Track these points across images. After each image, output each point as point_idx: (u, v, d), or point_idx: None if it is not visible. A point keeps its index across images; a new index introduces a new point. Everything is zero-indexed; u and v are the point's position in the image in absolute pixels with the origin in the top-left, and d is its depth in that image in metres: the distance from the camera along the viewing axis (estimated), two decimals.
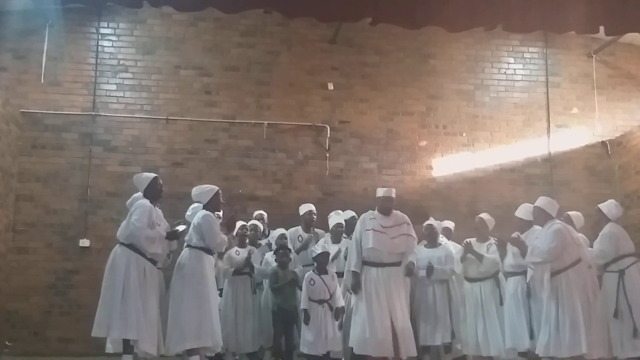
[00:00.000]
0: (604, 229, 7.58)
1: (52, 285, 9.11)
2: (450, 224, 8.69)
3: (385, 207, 7.33)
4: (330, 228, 8.21)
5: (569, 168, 10.29)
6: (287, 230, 8.33)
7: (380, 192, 7.43)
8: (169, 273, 7.43)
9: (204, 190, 7.10)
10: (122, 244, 6.50)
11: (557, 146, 10.34)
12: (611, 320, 7.30)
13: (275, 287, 7.55)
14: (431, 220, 8.16)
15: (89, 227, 9.25)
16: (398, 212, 7.43)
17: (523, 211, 7.62)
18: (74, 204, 9.31)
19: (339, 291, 7.39)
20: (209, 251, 6.87)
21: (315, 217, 8.53)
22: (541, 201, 7.27)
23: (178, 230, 6.82)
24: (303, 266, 7.92)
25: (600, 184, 10.24)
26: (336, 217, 8.29)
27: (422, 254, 7.85)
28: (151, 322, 6.40)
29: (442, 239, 8.21)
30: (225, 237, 7.04)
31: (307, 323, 7.17)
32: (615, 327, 7.27)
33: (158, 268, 6.85)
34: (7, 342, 8.67)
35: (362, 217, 7.42)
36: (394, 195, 7.41)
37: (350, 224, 8.03)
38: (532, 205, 7.43)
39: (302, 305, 7.24)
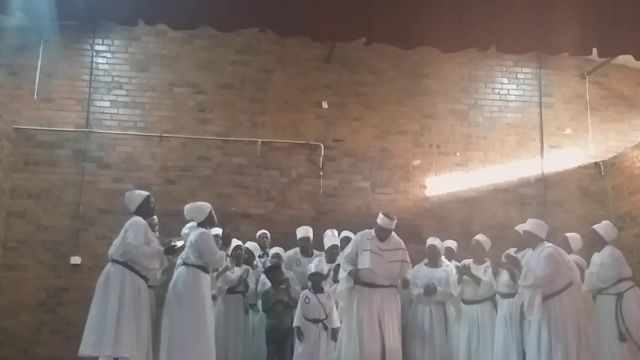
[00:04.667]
0: (604, 251, 7.47)
1: (42, 303, 9.01)
2: (452, 244, 8.62)
3: (383, 236, 7.30)
4: (325, 248, 8.19)
5: (562, 188, 10.30)
6: (285, 251, 8.35)
7: (380, 220, 7.31)
8: (160, 291, 7.41)
9: (199, 208, 7.10)
10: (116, 261, 6.46)
11: (551, 167, 10.35)
12: (614, 344, 7.21)
13: (266, 307, 7.52)
14: (434, 241, 8.12)
15: (81, 245, 9.18)
16: (395, 235, 7.41)
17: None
18: (65, 221, 9.25)
19: (335, 311, 7.35)
20: (205, 269, 6.85)
21: (311, 242, 8.48)
22: (530, 224, 7.19)
23: (176, 245, 6.77)
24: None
25: (593, 204, 10.24)
26: (332, 239, 8.25)
27: (422, 273, 7.84)
28: (143, 341, 6.36)
29: (443, 260, 8.19)
30: (223, 253, 7.02)
31: (300, 340, 7.12)
32: (617, 350, 7.19)
33: (149, 286, 6.81)
34: None
35: (359, 235, 7.39)
36: (394, 227, 7.34)
37: (346, 244, 8.06)
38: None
39: (295, 322, 7.19)
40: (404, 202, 9.95)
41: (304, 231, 8.62)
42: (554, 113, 10.60)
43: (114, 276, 6.39)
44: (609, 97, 10.75)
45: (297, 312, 7.25)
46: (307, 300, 7.26)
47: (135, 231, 6.44)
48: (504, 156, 10.33)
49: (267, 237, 8.74)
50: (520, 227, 7.54)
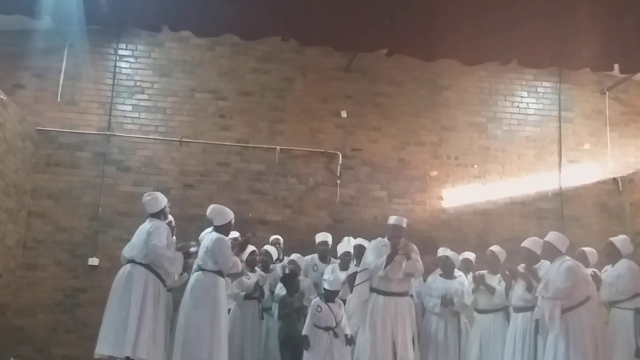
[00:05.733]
0: (622, 263, 7.48)
1: (59, 303, 9.11)
2: (470, 255, 8.58)
3: (394, 235, 7.35)
4: (338, 255, 8.23)
5: (579, 203, 10.26)
6: (304, 257, 8.40)
7: (392, 219, 7.51)
8: (177, 294, 7.47)
9: (223, 212, 7.16)
10: (137, 263, 6.51)
11: (569, 181, 10.32)
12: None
13: (283, 313, 7.55)
14: (447, 252, 8.10)
15: (99, 246, 9.26)
16: (406, 241, 7.46)
17: (532, 243, 7.55)
18: (84, 223, 9.34)
19: (345, 319, 7.37)
20: (222, 274, 6.89)
21: (329, 247, 8.53)
22: (552, 236, 7.22)
23: (191, 250, 6.87)
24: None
25: (610, 220, 10.20)
26: (345, 246, 8.30)
27: (437, 284, 7.84)
28: (160, 344, 6.43)
29: (457, 271, 8.18)
30: (238, 260, 7.05)
31: (307, 349, 7.11)
32: None
33: (167, 289, 6.89)
34: (12, 359, 8.66)
35: (372, 243, 7.43)
36: (404, 225, 7.45)
37: (359, 252, 8.08)
38: (541, 240, 7.40)
39: (304, 331, 7.18)
40: (421, 212, 9.96)
41: (323, 236, 8.67)
42: (573, 128, 10.58)
43: (137, 278, 6.45)
44: (629, 113, 10.71)
45: (307, 321, 7.23)
46: (318, 309, 7.22)
47: (160, 234, 6.53)
48: (522, 169, 10.33)
49: (279, 243, 8.78)
50: (527, 243, 7.54)
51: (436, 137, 10.28)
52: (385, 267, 7.11)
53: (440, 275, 8.04)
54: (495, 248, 8.11)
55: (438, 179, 10.14)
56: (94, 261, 9.20)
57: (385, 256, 7.14)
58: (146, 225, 6.78)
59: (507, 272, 7.57)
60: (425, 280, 8.17)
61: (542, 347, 7.01)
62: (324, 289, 7.30)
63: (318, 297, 7.38)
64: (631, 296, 7.34)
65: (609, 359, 6.93)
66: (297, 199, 9.82)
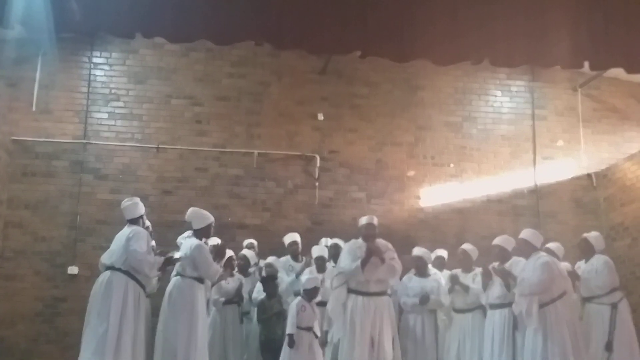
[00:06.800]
0: (598, 258, 7.62)
1: (39, 313, 9.04)
2: (443, 253, 8.67)
3: (368, 234, 7.36)
4: (313, 258, 8.26)
5: (555, 200, 10.38)
6: (279, 258, 8.38)
7: (363, 220, 7.49)
8: (155, 301, 7.47)
9: (202, 215, 7.15)
10: (118, 269, 6.50)
11: (544, 178, 10.44)
12: (601, 353, 7.32)
13: (263, 317, 7.55)
14: (419, 251, 8.17)
15: (78, 255, 9.21)
16: (381, 240, 7.48)
17: (503, 241, 7.67)
18: (63, 232, 9.29)
19: (317, 321, 7.39)
20: (200, 280, 6.89)
21: (299, 247, 8.57)
22: (526, 233, 7.32)
23: (173, 257, 6.87)
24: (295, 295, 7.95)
25: (586, 215, 10.33)
26: (319, 249, 8.34)
27: (412, 283, 7.90)
28: (140, 350, 6.42)
29: (431, 269, 8.25)
30: (219, 266, 7.06)
31: (291, 347, 7.07)
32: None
33: (146, 296, 6.88)
34: None
35: (347, 246, 7.45)
36: (375, 223, 7.45)
37: (335, 251, 8.14)
38: (511, 237, 7.51)
39: (289, 330, 7.11)
40: (399, 212, 10.02)
41: (292, 237, 8.74)
42: (546, 125, 10.70)
43: (116, 284, 6.43)
44: (601, 109, 10.85)
45: (291, 320, 7.18)
46: (303, 308, 7.19)
47: (139, 240, 6.53)
48: (498, 167, 10.43)
49: (254, 247, 8.79)
50: (499, 241, 7.65)
51: (412, 137, 10.35)
52: (362, 271, 7.11)
53: (415, 274, 8.11)
54: (466, 246, 8.22)
55: (415, 179, 10.21)
56: (73, 270, 9.15)
57: (360, 260, 7.12)
58: (125, 231, 6.75)
59: (482, 272, 7.66)
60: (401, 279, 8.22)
61: (520, 343, 7.10)
62: (303, 290, 7.32)
63: (300, 297, 7.37)
64: (608, 291, 7.47)
65: (585, 353, 7.03)
66: (276, 202, 9.84)
